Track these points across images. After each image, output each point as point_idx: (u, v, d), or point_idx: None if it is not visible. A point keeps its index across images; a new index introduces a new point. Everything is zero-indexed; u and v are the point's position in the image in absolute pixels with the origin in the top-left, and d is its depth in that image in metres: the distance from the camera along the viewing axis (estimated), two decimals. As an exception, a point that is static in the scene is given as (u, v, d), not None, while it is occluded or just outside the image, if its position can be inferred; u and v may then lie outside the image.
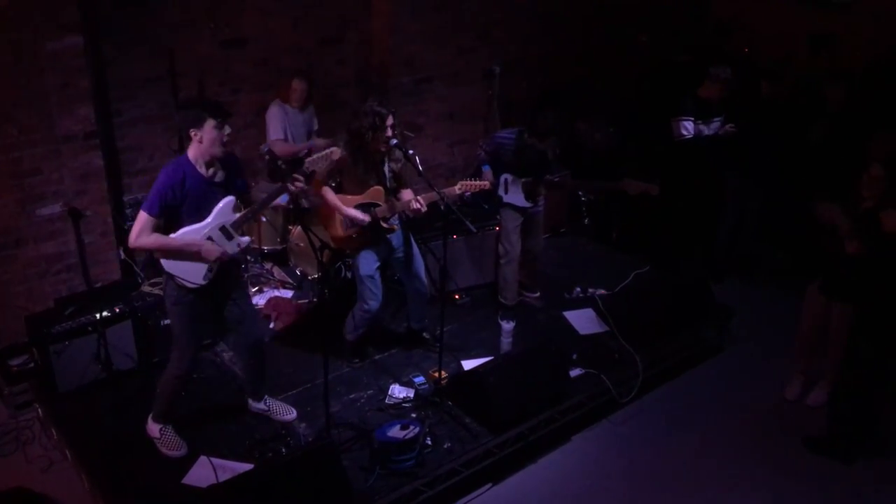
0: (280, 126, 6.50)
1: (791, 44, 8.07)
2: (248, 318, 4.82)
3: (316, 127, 6.88)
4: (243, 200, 4.60)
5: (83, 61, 5.59)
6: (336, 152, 4.85)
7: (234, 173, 4.53)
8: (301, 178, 4.55)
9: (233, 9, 6.57)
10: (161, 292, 5.57)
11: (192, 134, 4.27)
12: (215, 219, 4.41)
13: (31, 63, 5.42)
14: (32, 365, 5.45)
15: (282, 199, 4.69)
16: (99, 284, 5.88)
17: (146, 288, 5.69)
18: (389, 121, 5.08)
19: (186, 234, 4.36)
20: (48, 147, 5.65)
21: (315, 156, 4.75)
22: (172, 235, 4.36)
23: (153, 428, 4.81)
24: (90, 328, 5.21)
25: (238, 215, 4.49)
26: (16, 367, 5.49)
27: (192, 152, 4.34)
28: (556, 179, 6.07)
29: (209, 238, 4.41)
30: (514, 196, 6.04)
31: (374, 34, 7.39)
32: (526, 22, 8.22)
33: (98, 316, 5.20)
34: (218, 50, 6.58)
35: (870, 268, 5.07)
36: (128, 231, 6.21)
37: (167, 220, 4.36)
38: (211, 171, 4.39)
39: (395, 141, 5.13)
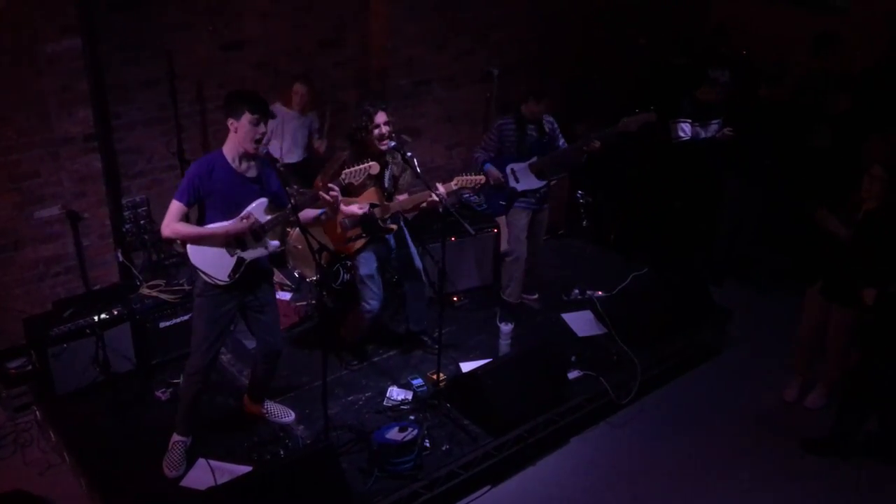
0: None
1: (789, 46, 8.08)
2: (270, 328, 4.79)
3: (317, 126, 6.86)
4: (278, 206, 4.54)
5: (82, 63, 5.58)
6: (375, 167, 4.83)
7: (270, 172, 4.49)
8: (336, 188, 4.53)
9: (232, 11, 6.57)
10: (159, 295, 5.62)
11: (230, 123, 4.26)
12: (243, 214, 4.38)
13: (30, 65, 5.42)
14: (31, 367, 5.43)
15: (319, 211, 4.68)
16: (97, 287, 5.87)
17: (144, 290, 5.67)
18: (380, 118, 5.06)
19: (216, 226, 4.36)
20: (47, 149, 5.65)
21: (354, 168, 4.73)
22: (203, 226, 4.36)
23: (172, 438, 4.75)
24: (88, 331, 5.21)
25: (270, 217, 4.45)
26: (14, 370, 5.47)
27: (227, 145, 4.34)
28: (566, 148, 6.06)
29: None
30: (527, 181, 6.02)
31: (372, 37, 7.39)
32: (524, 24, 8.23)
33: (96, 318, 5.20)
34: (217, 52, 6.58)
35: (871, 271, 5.08)
36: (126, 234, 6.30)
37: (199, 215, 4.36)
38: (244, 165, 4.37)
39: (392, 143, 5.13)
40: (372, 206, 5.25)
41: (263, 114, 4.24)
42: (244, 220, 4.34)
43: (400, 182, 5.38)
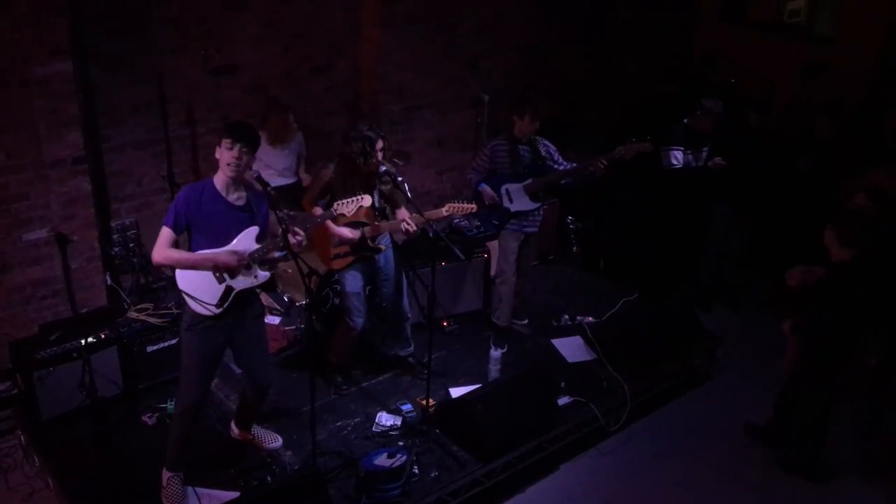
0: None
1: (777, 74, 8.15)
2: (259, 364, 4.74)
3: (304, 152, 6.87)
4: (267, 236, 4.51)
5: (72, 87, 5.59)
6: (367, 199, 4.82)
7: (261, 201, 4.46)
8: (301, 232, 4.43)
9: (223, 36, 6.60)
10: (147, 319, 5.59)
11: (216, 153, 4.27)
12: (235, 245, 4.35)
13: (20, 87, 5.42)
14: (15, 391, 5.39)
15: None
16: (84, 310, 5.84)
17: (132, 314, 5.64)
18: (379, 145, 5.12)
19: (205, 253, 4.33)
20: (36, 172, 5.63)
21: (346, 200, 4.73)
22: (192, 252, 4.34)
23: (164, 474, 4.65)
24: (75, 354, 5.17)
25: (258, 246, 4.40)
26: (-1, 394, 5.44)
27: (217, 173, 4.33)
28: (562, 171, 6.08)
29: None
30: (520, 202, 6.03)
31: (363, 62, 7.44)
32: (514, 52, 8.30)
33: (83, 342, 5.15)
34: (208, 76, 6.60)
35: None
36: (114, 257, 6.28)
37: (187, 241, 4.34)
38: (234, 195, 4.34)
39: (384, 168, 5.16)
40: (362, 224, 5.26)
41: (237, 138, 4.21)
42: (234, 256, 4.31)
43: (394, 199, 5.40)
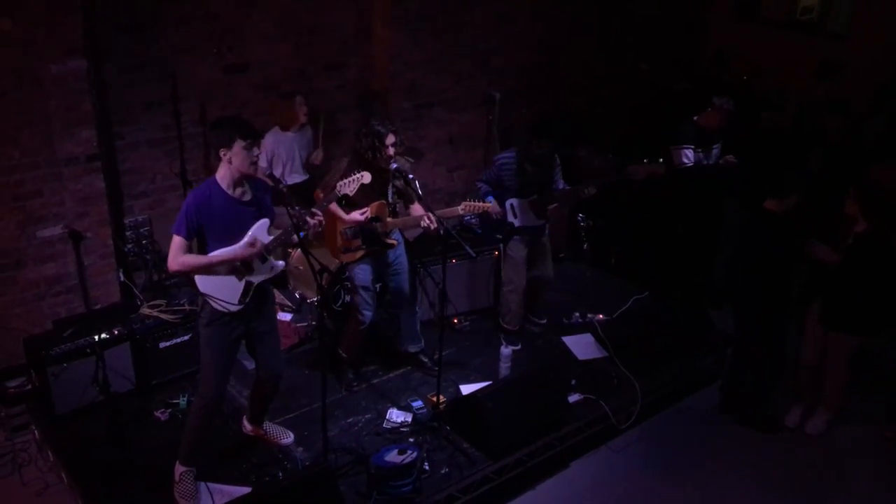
0: (265, 156, 6.45)
1: (789, 72, 8.13)
2: (272, 353, 4.78)
3: (312, 138, 6.88)
4: (276, 226, 4.54)
5: (86, 84, 5.62)
6: (366, 176, 4.84)
7: (264, 193, 4.50)
8: (319, 212, 4.53)
9: (236, 34, 6.63)
10: (160, 315, 5.62)
11: (222, 154, 4.24)
12: (249, 238, 4.37)
13: (35, 86, 5.46)
14: (30, 387, 5.43)
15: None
16: (98, 306, 5.88)
17: (145, 310, 5.68)
18: (389, 139, 5.12)
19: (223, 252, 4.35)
20: (50, 169, 5.67)
21: (346, 179, 4.76)
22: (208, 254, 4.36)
23: (177, 469, 4.68)
24: (88, 350, 5.20)
25: (271, 238, 4.44)
26: (13, 389, 5.47)
27: (220, 172, 4.32)
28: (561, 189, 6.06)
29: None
30: (524, 218, 6.01)
31: (374, 60, 7.45)
32: (525, 50, 8.29)
33: (97, 338, 5.19)
34: (220, 74, 6.63)
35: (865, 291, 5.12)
36: (128, 254, 6.32)
37: (199, 244, 4.35)
38: (239, 190, 4.36)
39: (394, 164, 5.17)
40: (375, 220, 5.28)
41: (255, 137, 4.25)
42: (251, 247, 4.34)
43: (407, 195, 5.41)
